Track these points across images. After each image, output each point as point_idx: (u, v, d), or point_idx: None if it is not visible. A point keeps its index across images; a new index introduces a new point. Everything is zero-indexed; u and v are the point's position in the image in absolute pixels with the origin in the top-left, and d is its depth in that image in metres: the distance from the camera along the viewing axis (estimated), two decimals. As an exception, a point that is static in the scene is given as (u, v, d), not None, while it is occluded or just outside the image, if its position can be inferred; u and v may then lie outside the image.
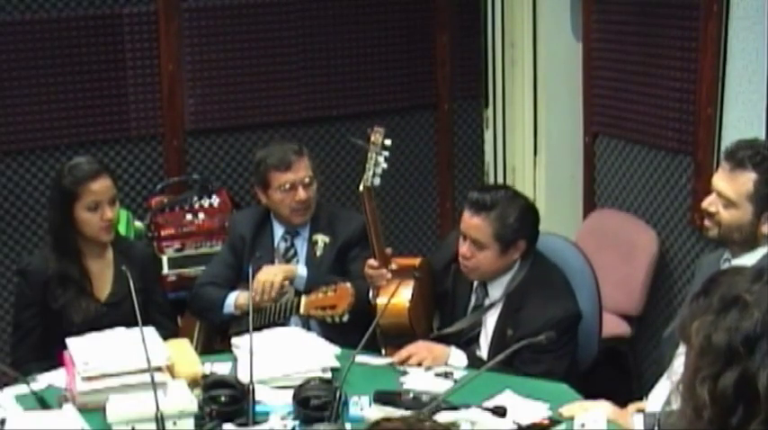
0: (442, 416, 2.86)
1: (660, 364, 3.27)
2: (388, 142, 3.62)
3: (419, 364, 3.37)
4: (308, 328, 3.78)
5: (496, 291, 3.53)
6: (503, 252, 3.45)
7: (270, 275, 3.79)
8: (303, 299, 3.71)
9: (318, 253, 3.95)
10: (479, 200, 3.45)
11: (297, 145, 4.01)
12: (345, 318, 3.62)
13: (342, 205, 5.02)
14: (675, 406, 2.91)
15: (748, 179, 3.04)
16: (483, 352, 3.52)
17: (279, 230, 4.01)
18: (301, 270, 3.88)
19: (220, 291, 3.93)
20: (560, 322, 3.39)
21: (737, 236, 3.09)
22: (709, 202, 3.14)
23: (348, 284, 3.65)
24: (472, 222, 3.44)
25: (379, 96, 5.26)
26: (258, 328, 3.46)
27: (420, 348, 3.42)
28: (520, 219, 3.44)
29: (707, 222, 3.17)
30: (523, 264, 3.52)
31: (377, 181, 3.61)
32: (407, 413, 2.75)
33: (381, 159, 3.61)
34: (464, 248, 3.48)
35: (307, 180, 3.91)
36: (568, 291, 3.53)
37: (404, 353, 3.40)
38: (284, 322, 3.77)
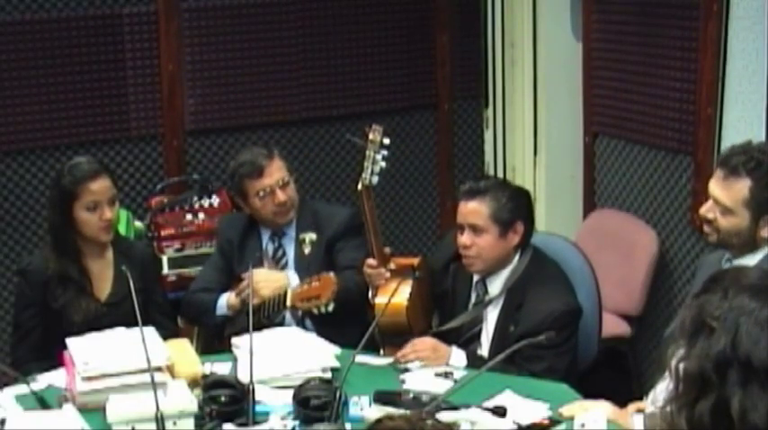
0: (442, 416, 2.86)
1: (660, 364, 3.27)
2: (386, 141, 3.61)
3: (418, 360, 3.37)
4: (304, 327, 3.78)
5: (496, 286, 3.53)
6: (502, 235, 3.47)
7: (260, 285, 3.77)
8: (289, 292, 3.71)
9: (307, 251, 3.95)
10: (472, 187, 3.53)
11: (266, 148, 3.99)
12: (331, 307, 3.60)
13: (342, 205, 5.02)
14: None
15: (743, 186, 3.03)
16: (484, 350, 3.52)
17: (266, 232, 4.01)
18: (293, 281, 3.85)
19: (211, 294, 3.93)
20: (562, 316, 3.40)
21: (736, 240, 3.09)
22: (707, 209, 3.13)
23: (331, 274, 3.65)
24: (468, 208, 3.49)
25: (379, 96, 5.25)
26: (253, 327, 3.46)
27: (425, 345, 3.42)
28: (513, 199, 3.51)
29: (706, 228, 3.17)
30: (522, 259, 3.53)
31: (375, 179, 3.60)
32: (401, 412, 2.75)
33: (379, 158, 3.60)
34: (463, 238, 3.49)
35: (284, 180, 3.90)
36: (568, 285, 3.55)
37: (408, 348, 3.40)
38: (276, 316, 3.77)
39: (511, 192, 3.54)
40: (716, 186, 3.10)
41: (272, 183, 3.88)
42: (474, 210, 3.47)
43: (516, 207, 3.50)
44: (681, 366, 1.91)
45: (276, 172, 3.90)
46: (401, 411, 2.85)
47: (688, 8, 4.29)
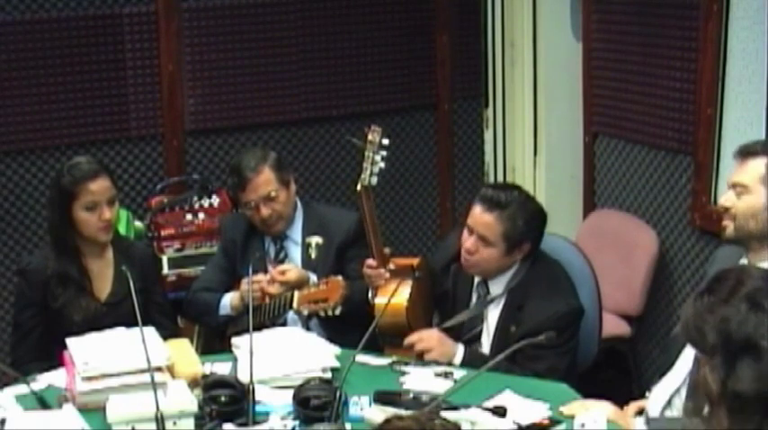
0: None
1: (661, 364, 3.26)
2: (385, 141, 3.60)
3: (423, 355, 3.38)
4: (308, 328, 3.78)
5: (498, 288, 3.53)
6: (508, 252, 3.45)
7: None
8: (296, 294, 3.70)
9: (313, 255, 3.94)
10: (494, 197, 3.45)
11: (258, 156, 3.90)
12: (338, 311, 3.60)
13: (342, 205, 5.02)
14: (677, 412, 2.90)
15: (760, 163, 3.02)
16: (484, 350, 3.51)
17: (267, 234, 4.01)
18: (313, 278, 3.85)
19: (214, 294, 3.93)
20: (563, 317, 3.40)
21: (753, 225, 3.00)
22: (725, 198, 3.10)
23: (339, 277, 3.65)
24: (483, 219, 3.44)
25: (379, 96, 5.26)
26: (254, 327, 3.46)
27: (432, 338, 3.42)
28: (529, 222, 3.45)
29: (724, 221, 3.10)
30: (525, 262, 3.52)
31: (374, 180, 3.59)
32: (407, 413, 2.75)
33: (379, 158, 3.58)
34: (469, 243, 3.47)
35: (272, 194, 3.87)
36: (570, 286, 3.53)
37: (414, 337, 3.40)
38: (280, 317, 3.77)
39: (529, 214, 3.45)
40: (734, 173, 3.09)
41: (255, 199, 3.87)
42: (488, 223, 3.43)
43: (529, 230, 3.45)
44: (720, 390, 1.84)
45: (261, 186, 3.86)
46: (401, 411, 2.85)
47: (688, 8, 4.29)
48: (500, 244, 3.43)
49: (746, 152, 3.08)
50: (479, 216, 3.45)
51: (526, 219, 3.44)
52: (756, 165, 3.03)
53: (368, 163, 3.58)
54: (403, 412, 2.80)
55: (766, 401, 1.80)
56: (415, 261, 3.70)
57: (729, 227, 3.08)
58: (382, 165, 3.59)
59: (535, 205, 3.53)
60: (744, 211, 3.03)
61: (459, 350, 3.44)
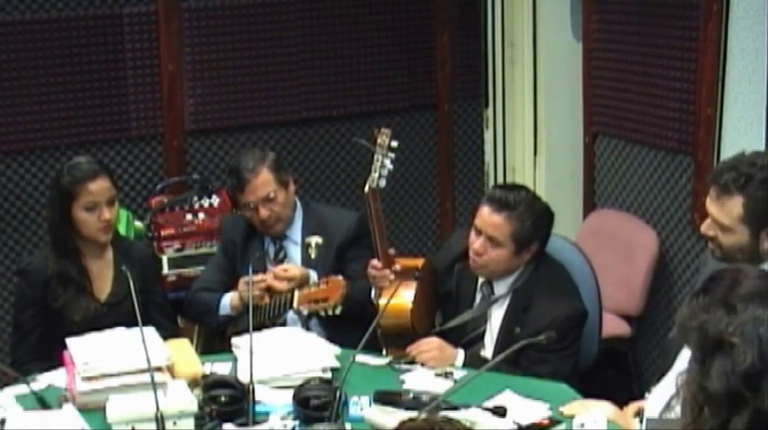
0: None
1: (660, 365, 3.27)
2: (394, 144, 3.59)
3: (425, 363, 3.37)
4: (308, 328, 3.78)
5: (502, 288, 3.52)
6: (516, 253, 3.45)
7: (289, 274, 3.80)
8: (296, 293, 3.70)
9: (313, 255, 3.94)
10: (502, 198, 3.45)
11: (257, 157, 3.90)
12: (338, 310, 3.59)
13: (342, 205, 5.02)
14: (674, 414, 2.90)
15: (736, 203, 2.99)
16: (487, 351, 3.51)
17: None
18: (314, 276, 3.86)
19: (214, 294, 3.93)
20: (568, 320, 3.40)
21: (741, 256, 3.03)
22: (707, 227, 3.08)
23: (339, 277, 3.64)
24: (492, 220, 3.43)
25: (379, 96, 5.26)
26: (254, 327, 3.46)
27: (433, 346, 3.42)
28: (537, 223, 3.45)
29: (710, 244, 3.12)
30: (530, 264, 3.52)
31: (382, 182, 3.57)
32: (407, 413, 2.76)
33: (387, 161, 3.57)
34: (477, 244, 3.46)
35: (270, 195, 3.86)
36: (575, 289, 3.53)
37: (414, 348, 3.40)
38: (280, 317, 3.77)
39: (537, 213, 3.46)
40: (711, 205, 3.05)
41: (254, 200, 3.86)
42: (497, 224, 3.42)
43: (537, 230, 3.45)
44: (696, 390, 1.87)
45: (260, 187, 3.86)
46: (401, 411, 2.86)
47: (688, 8, 4.29)
48: (509, 244, 3.43)
49: (721, 188, 3.01)
50: (488, 217, 3.44)
51: (534, 219, 3.44)
52: (733, 206, 2.99)
53: (376, 165, 3.56)
54: (403, 412, 2.81)
55: (732, 398, 1.83)
56: (420, 262, 3.70)
57: (717, 252, 3.09)
58: (390, 167, 3.58)
59: (542, 205, 3.54)
60: (728, 246, 3.04)
61: (460, 355, 3.44)
